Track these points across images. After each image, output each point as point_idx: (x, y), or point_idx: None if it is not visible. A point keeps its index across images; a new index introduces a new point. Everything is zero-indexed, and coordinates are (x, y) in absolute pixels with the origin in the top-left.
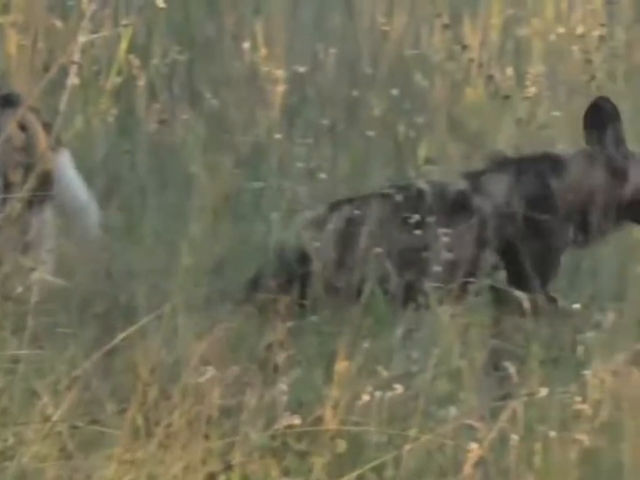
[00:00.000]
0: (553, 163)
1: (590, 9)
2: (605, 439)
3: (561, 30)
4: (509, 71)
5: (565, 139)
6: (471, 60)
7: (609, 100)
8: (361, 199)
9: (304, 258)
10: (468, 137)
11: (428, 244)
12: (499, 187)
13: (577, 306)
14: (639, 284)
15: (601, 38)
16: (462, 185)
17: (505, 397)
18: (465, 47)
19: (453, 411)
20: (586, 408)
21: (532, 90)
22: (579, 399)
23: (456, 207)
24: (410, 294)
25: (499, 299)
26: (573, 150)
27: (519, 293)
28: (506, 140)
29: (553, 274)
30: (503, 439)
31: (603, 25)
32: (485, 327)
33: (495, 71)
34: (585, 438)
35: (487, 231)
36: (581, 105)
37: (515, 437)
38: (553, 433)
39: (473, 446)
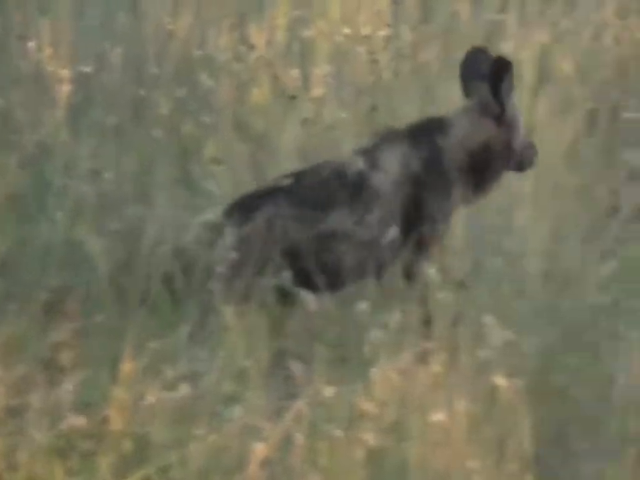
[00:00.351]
0: (441, 125)
1: (375, 9)
2: (391, 438)
3: (347, 31)
4: (295, 71)
5: (351, 139)
6: (257, 60)
7: (483, 50)
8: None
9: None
10: (253, 137)
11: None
12: (395, 159)
13: (363, 305)
14: (424, 282)
15: (387, 38)
16: (360, 164)
17: (291, 396)
18: (251, 48)
19: (238, 410)
20: (372, 407)
21: (318, 90)
22: (365, 398)
23: (357, 189)
24: (197, 293)
25: (285, 299)
26: (458, 108)
27: (304, 293)
28: (291, 140)
29: (444, 235)
30: (288, 439)
31: (388, 26)
32: (271, 326)
33: (281, 71)
34: (370, 437)
35: (388, 208)
36: (366, 106)
37: (300, 437)
38: (338, 433)
39: (259, 445)
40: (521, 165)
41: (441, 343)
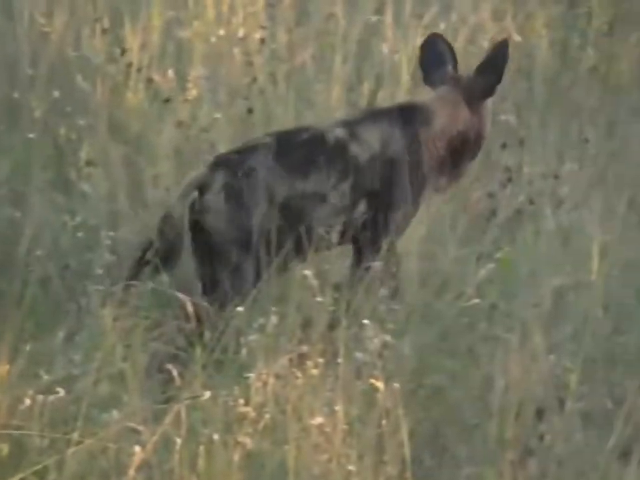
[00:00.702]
0: (424, 114)
1: (251, 11)
2: (269, 442)
3: (222, 32)
4: (170, 73)
5: (226, 141)
6: (132, 63)
7: (441, 36)
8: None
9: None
10: (129, 139)
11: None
12: (376, 137)
13: (240, 309)
14: (300, 286)
15: (262, 40)
16: (340, 132)
17: (169, 400)
18: (125, 50)
19: (115, 414)
20: (249, 411)
21: (193, 93)
22: (242, 401)
23: (335, 154)
24: (73, 296)
25: (162, 301)
26: (437, 94)
27: (181, 296)
28: (167, 142)
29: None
30: (166, 442)
31: (263, 28)
32: (148, 329)
33: (156, 73)
34: (248, 441)
35: (362, 179)
36: (241, 108)
37: (178, 440)
38: (216, 436)
39: (137, 449)
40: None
41: (318, 347)
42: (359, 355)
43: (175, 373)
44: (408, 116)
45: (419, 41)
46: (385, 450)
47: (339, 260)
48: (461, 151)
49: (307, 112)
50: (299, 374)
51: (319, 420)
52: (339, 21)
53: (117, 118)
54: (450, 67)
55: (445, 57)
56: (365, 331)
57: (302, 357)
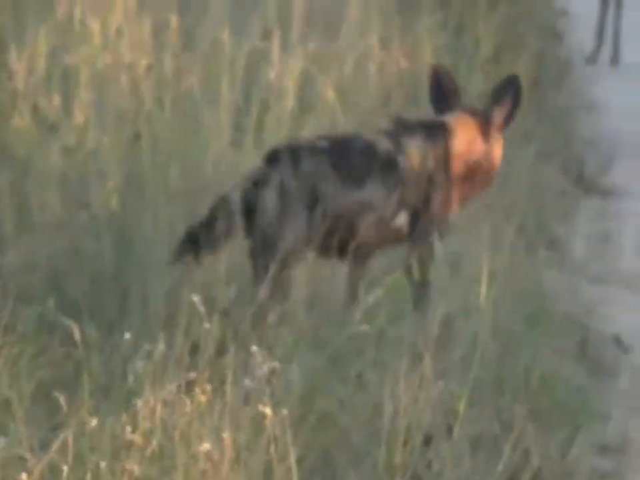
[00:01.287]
0: (449, 132)
1: (138, 38)
2: (156, 469)
3: (109, 59)
4: (56, 99)
5: (113, 166)
6: (17, 88)
7: (443, 67)
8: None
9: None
10: (15, 165)
11: None
12: (416, 151)
13: (127, 335)
14: (189, 312)
15: (149, 66)
16: (387, 143)
17: (55, 427)
18: (11, 75)
19: (2, 441)
20: (137, 437)
21: (80, 118)
22: (129, 428)
23: (387, 166)
24: None
25: (48, 327)
26: (451, 117)
27: (68, 322)
28: (53, 168)
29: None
30: (53, 470)
31: (150, 54)
32: (34, 356)
33: (42, 99)
34: (135, 468)
35: (408, 191)
36: (129, 133)
37: (65, 468)
38: (103, 463)
39: (23, 477)
40: None
41: (206, 373)
42: (247, 381)
43: (61, 399)
44: (442, 135)
45: (306, 66)
46: (274, 477)
47: (227, 285)
48: (472, 179)
49: (195, 136)
50: (187, 400)
51: (206, 447)
52: (226, 46)
53: (2, 143)
54: (458, 97)
55: (450, 88)
56: (253, 357)
57: (190, 384)
